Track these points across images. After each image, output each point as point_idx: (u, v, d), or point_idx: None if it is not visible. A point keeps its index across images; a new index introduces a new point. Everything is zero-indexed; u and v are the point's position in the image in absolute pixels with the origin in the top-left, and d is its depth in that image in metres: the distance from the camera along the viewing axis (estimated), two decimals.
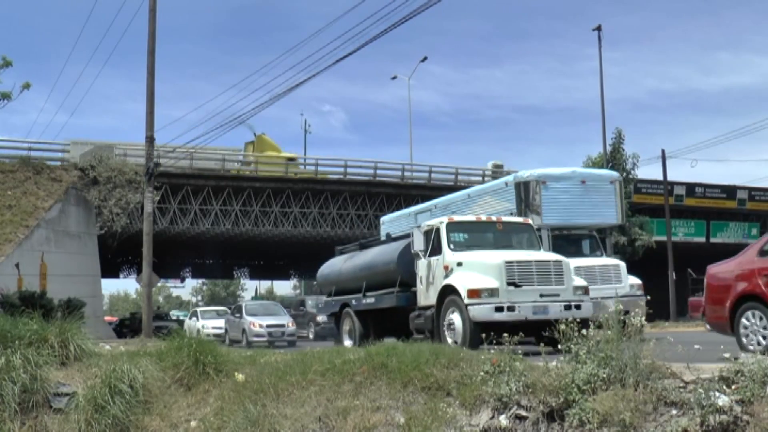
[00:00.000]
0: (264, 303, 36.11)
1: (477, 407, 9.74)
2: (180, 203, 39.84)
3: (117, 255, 49.31)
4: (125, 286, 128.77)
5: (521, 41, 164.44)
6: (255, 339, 28.91)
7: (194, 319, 37.86)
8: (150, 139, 27.01)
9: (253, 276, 77.78)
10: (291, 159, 45.99)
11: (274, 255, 59.64)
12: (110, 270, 52.36)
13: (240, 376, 12.50)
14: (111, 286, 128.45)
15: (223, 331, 33.70)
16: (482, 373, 10.01)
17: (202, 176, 40.56)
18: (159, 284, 57.93)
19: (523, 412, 9.38)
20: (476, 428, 9.51)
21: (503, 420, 9.42)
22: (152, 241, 26.97)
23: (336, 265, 22.28)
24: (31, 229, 31.52)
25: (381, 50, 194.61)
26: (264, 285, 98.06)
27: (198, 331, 33.49)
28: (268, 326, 29.80)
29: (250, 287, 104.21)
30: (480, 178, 47.72)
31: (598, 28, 41.90)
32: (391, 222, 26.03)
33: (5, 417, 11.66)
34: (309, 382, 11.34)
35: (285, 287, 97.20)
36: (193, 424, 11.81)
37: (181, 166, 37.48)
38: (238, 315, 31.54)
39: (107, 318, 67.33)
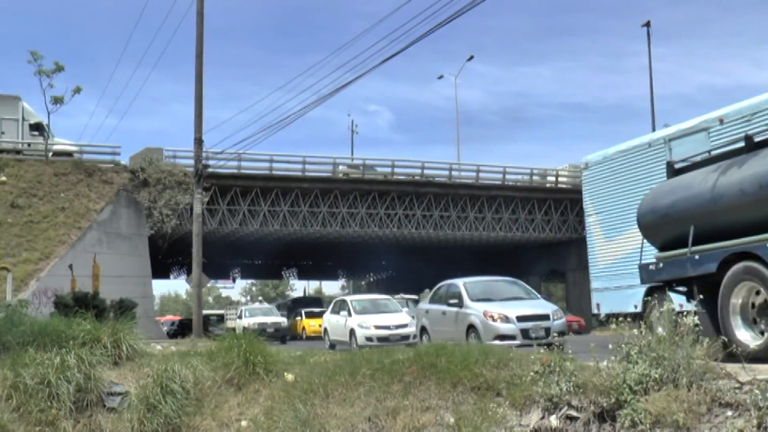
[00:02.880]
0: (490, 281, 21.07)
1: (527, 407, 9.68)
2: (229, 204, 40.16)
3: (167, 256, 49.80)
4: (175, 286, 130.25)
5: (567, 38, 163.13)
6: (498, 342, 15.93)
7: (343, 313, 26.01)
8: (199, 141, 27.28)
9: (302, 276, 78.25)
10: None
11: (322, 255, 59.88)
12: (161, 271, 52.93)
13: (290, 376, 12.56)
14: (162, 287, 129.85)
15: (406, 331, 23.65)
16: (532, 373, 9.94)
17: (250, 177, 40.84)
18: (209, 285, 58.43)
19: (573, 413, 9.29)
20: (526, 428, 9.45)
21: (554, 420, 9.35)
22: (202, 241, 27.23)
23: (690, 186, 12.46)
24: (83, 231, 32.00)
25: (427, 49, 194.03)
26: (312, 285, 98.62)
27: (352, 332, 24.42)
28: (519, 318, 17.54)
29: (298, 287, 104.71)
30: (528, 177, 47.50)
31: (647, 24, 41.51)
32: (608, 162, 18.79)
33: (61, 415, 11.85)
34: (358, 383, 11.35)
35: (333, 287, 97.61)
36: (243, 423, 11.89)
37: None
38: (454, 302, 18.89)
39: (169, 317, 68.30)
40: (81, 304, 17.80)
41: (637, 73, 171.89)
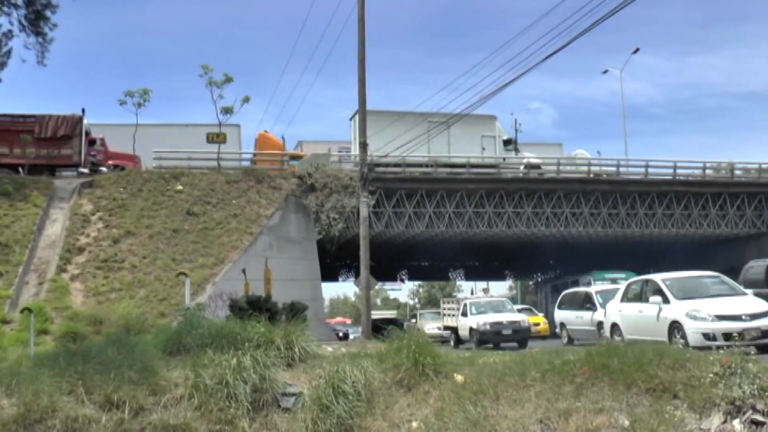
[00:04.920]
0: None
1: (707, 410, 9.30)
2: (394, 207, 40.53)
3: (335, 259, 50.69)
4: (344, 289, 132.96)
5: (738, 25, 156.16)
6: None
7: (653, 299, 18.49)
8: (363, 145, 27.64)
9: (468, 277, 77.93)
10: None
11: (488, 256, 59.55)
12: (329, 273, 53.91)
13: (459, 377, 12.54)
14: (331, 290, 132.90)
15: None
16: (711, 375, 9.55)
17: (414, 179, 41.09)
18: (377, 287, 59.14)
19: (759, 417, 8.85)
20: None
21: (737, 425, 8.93)
22: (369, 244, 27.57)
23: None
24: (255, 236, 32.97)
25: (590, 44, 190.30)
26: (479, 286, 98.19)
27: (674, 326, 17.31)
28: None
29: (465, 289, 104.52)
30: (701, 171, 45.74)
31: None
32: None
33: (239, 415, 12.28)
34: (528, 384, 11.22)
35: (500, 288, 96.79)
36: (414, 424, 11.94)
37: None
38: None
39: (339, 319, 69.60)
40: (254, 307, 18.27)
41: None
